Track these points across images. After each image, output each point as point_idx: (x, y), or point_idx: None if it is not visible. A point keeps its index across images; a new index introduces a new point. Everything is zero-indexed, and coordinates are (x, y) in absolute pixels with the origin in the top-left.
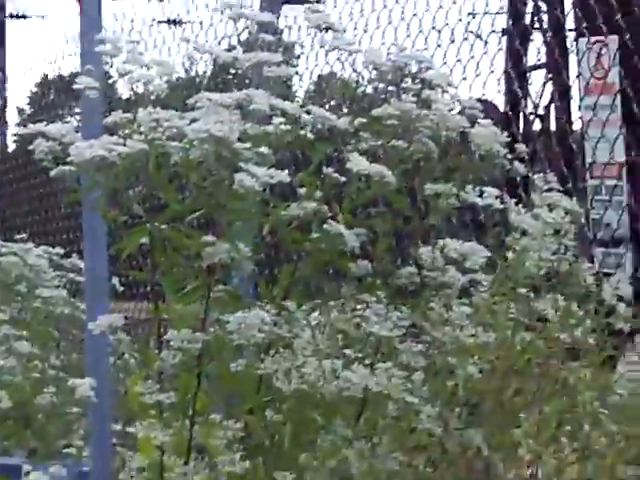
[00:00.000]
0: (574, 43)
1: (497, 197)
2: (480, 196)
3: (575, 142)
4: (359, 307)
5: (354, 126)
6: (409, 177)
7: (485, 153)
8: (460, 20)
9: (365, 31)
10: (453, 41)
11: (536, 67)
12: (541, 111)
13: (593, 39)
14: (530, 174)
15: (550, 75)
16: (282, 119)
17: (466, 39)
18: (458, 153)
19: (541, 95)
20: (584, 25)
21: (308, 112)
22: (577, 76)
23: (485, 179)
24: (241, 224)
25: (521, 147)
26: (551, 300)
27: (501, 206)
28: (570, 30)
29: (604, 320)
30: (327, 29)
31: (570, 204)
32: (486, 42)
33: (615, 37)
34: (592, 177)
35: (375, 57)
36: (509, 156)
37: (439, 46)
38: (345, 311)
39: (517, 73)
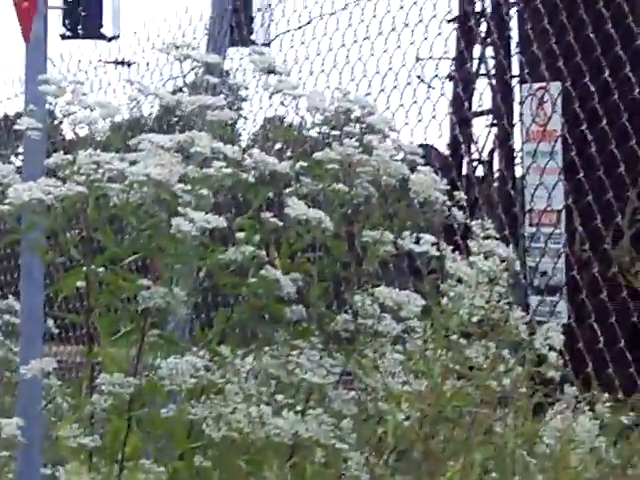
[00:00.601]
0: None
1: (434, 244)
2: (417, 243)
3: (516, 189)
4: (293, 353)
5: (295, 170)
6: (348, 222)
7: (424, 200)
8: (404, 65)
9: (311, 74)
10: (396, 86)
11: (480, 113)
12: (484, 157)
13: (536, 85)
14: (469, 221)
15: (494, 121)
16: (223, 163)
17: (409, 84)
18: (397, 199)
19: (485, 141)
20: (526, 71)
21: (250, 155)
22: (519, 121)
23: (423, 226)
24: (178, 268)
25: (460, 195)
26: (482, 348)
27: (437, 253)
28: (514, 76)
29: (534, 368)
30: (271, 72)
31: (506, 252)
32: (429, 86)
33: (558, 83)
34: (530, 224)
35: (318, 101)
36: (448, 203)
37: (382, 90)
38: (279, 357)
39: (461, 118)
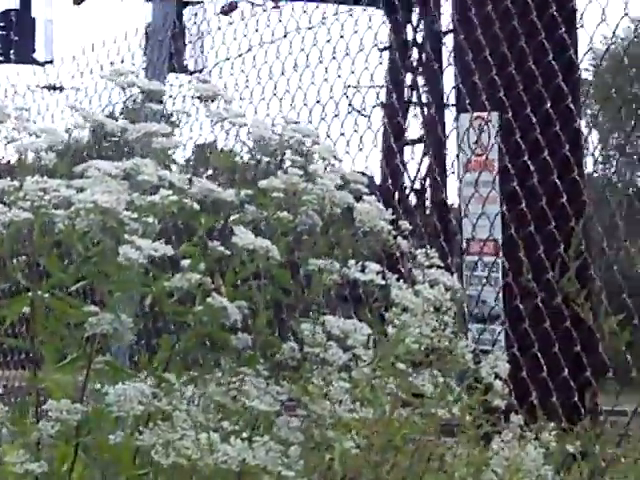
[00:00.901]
0: (456, 118)
1: (379, 273)
2: (362, 271)
3: (454, 217)
4: (237, 380)
5: (240, 198)
6: (292, 250)
7: (369, 230)
8: (345, 95)
9: (250, 102)
10: (337, 115)
11: (415, 141)
12: (418, 185)
13: (475, 115)
14: (412, 250)
15: (427, 149)
16: (169, 191)
17: (350, 113)
18: (341, 228)
19: (418, 169)
20: (466, 101)
21: (195, 183)
22: (457, 155)
23: (368, 254)
24: (124, 294)
25: (405, 224)
26: (429, 376)
27: (382, 282)
28: (452, 105)
29: (481, 397)
30: (212, 100)
31: (451, 280)
32: (368, 116)
33: (496, 114)
34: (469, 253)
35: (263, 131)
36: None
37: (323, 119)
38: (224, 384)
39: (394, 147)
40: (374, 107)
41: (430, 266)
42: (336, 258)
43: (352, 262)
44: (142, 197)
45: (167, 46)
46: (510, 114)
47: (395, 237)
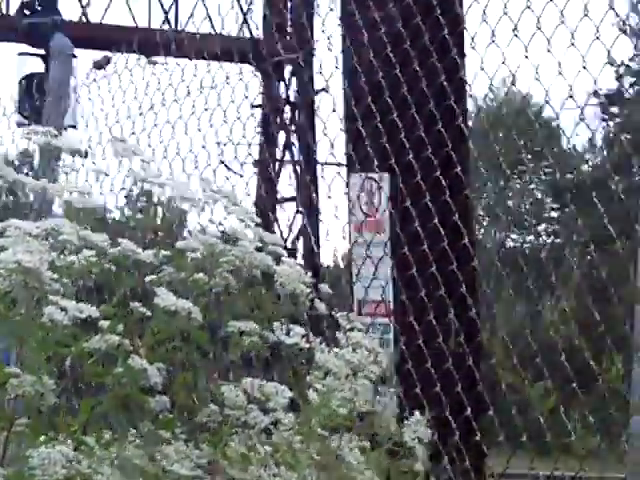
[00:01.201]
0: (345, 178)
1: (303, 336)
2: (287, 334)
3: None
4: (156, 443)
5: (159, 259)
6: (211, 312)
7: (289, 292)
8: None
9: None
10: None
11: (287, 199)
12: (289, 244)
13: (364, 176)
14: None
15: (300, 208)
16: (92, 251)
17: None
18: (261, 290)
19: (290, 228)
20: (357, 161)
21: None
22: (348, 216)
23: (288, 317)
24: (45, 355)
25: (325, 288)
26: (349, 440)
27: (307, 345)
28: (339, 164)
29: (402, 461)
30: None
31: (372, 344)
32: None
33: (387, 175)
34: (360, 314)
35: (184, 191)
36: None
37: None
38: (142, 447)
39: (266, 204)
40: (242, 164)
41: (352, 329)
42: (256, 320)
43: (277, 324)
44: (62, 257)
45: (65, 102)
46: (402, 177)
47: (312, 300)
